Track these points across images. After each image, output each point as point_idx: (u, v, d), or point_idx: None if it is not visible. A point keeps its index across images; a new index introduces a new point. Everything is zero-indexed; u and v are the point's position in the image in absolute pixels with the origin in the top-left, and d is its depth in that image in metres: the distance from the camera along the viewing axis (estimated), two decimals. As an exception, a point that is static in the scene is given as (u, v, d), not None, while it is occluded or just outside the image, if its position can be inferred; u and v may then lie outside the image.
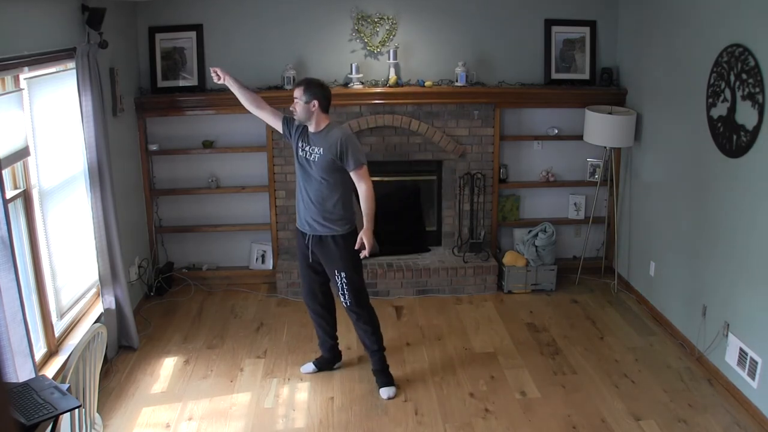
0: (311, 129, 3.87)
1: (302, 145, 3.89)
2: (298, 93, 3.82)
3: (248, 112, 5.57)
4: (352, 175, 3.86)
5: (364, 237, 3.84)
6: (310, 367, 4.35)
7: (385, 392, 4.09)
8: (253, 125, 5.47)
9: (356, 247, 3.88)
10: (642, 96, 5.22)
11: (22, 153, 3.47)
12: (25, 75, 3.53)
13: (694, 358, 4.42)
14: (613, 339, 4.75)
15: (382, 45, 5.42)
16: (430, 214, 5.90)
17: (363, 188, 3.86)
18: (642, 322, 5.01)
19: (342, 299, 4.04)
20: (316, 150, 3.84)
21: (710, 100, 4.18)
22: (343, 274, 3.96)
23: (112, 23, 4.52)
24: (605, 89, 5.52)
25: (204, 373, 4.35)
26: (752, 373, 3.81)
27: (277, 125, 4.06)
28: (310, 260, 4.03)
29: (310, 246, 3.98)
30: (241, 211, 5.68)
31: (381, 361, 4.16)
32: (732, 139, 3.95)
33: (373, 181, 5.63)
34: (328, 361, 4.36)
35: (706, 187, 4.29)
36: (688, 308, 4.55)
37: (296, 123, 3.92)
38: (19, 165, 3.53)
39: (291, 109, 3.87)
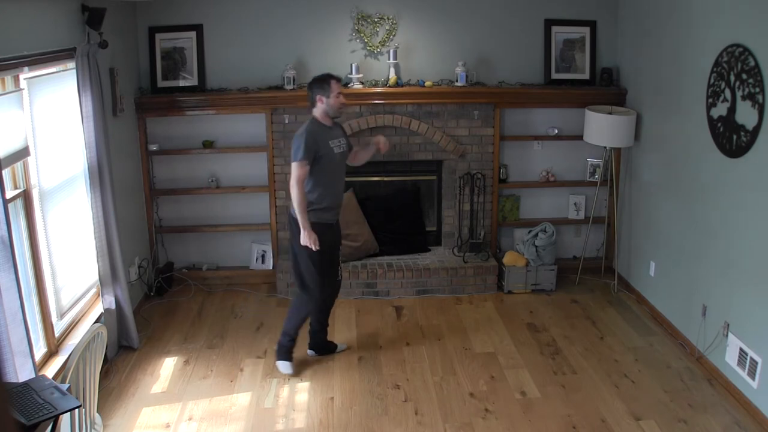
0: (329, 124, 4.13)
1: (333, 144, 4.10)
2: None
3: (249, 111, 5.60)
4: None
5: None
6: (289, 367, 4.31)
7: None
8: (253, 125, 5.49)
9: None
10: (642, 96, 5.22)
11: (22, 153, 3.47)
12: (25, 75, 3.53)
13: (694, 358, 4.42)
14: (613, 339, 4.75)
15: (382, 45, 5.42)
16: (430, 214, 5.90)
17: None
18: (642, 322, 5.00)
19: (339, 276, 4.43)
20: (342, 141, 4.18)
21: (710, 100, 4.18)
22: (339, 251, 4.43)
23: (112, 23, 4.52)
24: (605, 89, 5.52)
25: (204, 373, 4.35)
26: (752, 373, 3.81)
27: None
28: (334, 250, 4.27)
29: (336, 232, 4.27)
30: (241, 211, 5.68)
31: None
32: (732, 139, 3.95)
33: (373, 181, 5.74)
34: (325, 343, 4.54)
35: (706, 187, 4.29)
36: (688, 308, 4.55)
37: (312, 138, 3.97)
38: (19, 165, 3.53)
39: (343, 102, 4.11)
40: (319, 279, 4.14)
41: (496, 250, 5.80)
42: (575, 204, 5.83)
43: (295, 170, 3.96)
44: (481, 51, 5.52)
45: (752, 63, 3.72)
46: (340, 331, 4.87)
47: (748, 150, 3.79)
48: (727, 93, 3.98)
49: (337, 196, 4.17)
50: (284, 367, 4.31)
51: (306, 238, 3.99)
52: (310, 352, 4.52)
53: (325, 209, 4.09)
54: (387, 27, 5.40)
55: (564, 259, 5.87)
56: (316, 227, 4.03)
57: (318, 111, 4.07)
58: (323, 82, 4.03)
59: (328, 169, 4.05)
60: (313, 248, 3.99)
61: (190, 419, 3.88)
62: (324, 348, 4.53)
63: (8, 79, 3.42)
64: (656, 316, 5.02)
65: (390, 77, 5.36)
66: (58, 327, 3.93)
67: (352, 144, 4.38)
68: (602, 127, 5.21)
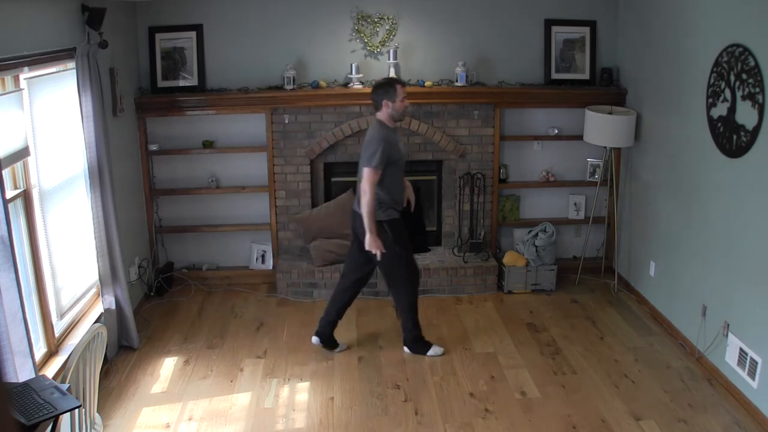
0: (393, 126, 4.27)
1: (400, 146, 4.33)
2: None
3: (249, 111, 5.60)
4: None
5: None
6: (439, 349, 4.55)
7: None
8: (253, 125, 5.49)
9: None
10: (642, 96, 5.22)
11: (22, 153, 3.47)
12: (25, 75, 3.53)
13: (694, 358, 4.42)
14: (613, 339, 4.75)
15: (382, 45, 5.42)
16: (430, 214, 5.90)
17: None
18: (642, 322, 5.00)
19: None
20: (401, 141, 4.44)
21: (710, 100, 4.18)
22: None
23: (112, 23, 4.51)
24: (605, 89, 5.52)
25: (204, 373, 4.35)
26: (752, 373, 3.81)
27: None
28: None
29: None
30: (241, 211, 5.68)
31: None
32: (732, 139, 3.95)
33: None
34: None
35: (706, 187, 4.29)
36: (688, 308, 4.55)
37: (388, 144, 4.12)
38: (19, 165, 3.53)
39: (407, 105, 4.23)
40: (410, 261, 4.41)
41: (496, 250, 5.79)
42: (575, 204, 5.83)
43: (370, 176, 4.08)
44: (481, 51, 5.52)
45: (752, 63, 3.72)
46: (340, 331, 4.87)
47: (748, 150, 3.79)
48: (727, 93, 3.98)
49: (402, 199, 4.41)
50: (434, 351, 4.50)
51: (372, 243, 4.13)
52: (314, 339, 4.56)
53: (397, 208, 4.32)
54: (387, 27, 5.40)
55: (564, 259, 5.87)
56: (395, 223, 4.29)
57: (383, 115, 4.20)
58: (389, 87, 4.17)
59: (399, 170, 4.26)
60: (378, 253, 4.15)
61: (190, 419, 3.88)
62: (328, 340, 4.56)
63: (8, 79, 3.42)
64: (656, 316, 5.02)
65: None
66: (58, 327, 3.93)
67: None
68: (602, 127, 5.21)
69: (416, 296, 4.47)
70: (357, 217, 4.23)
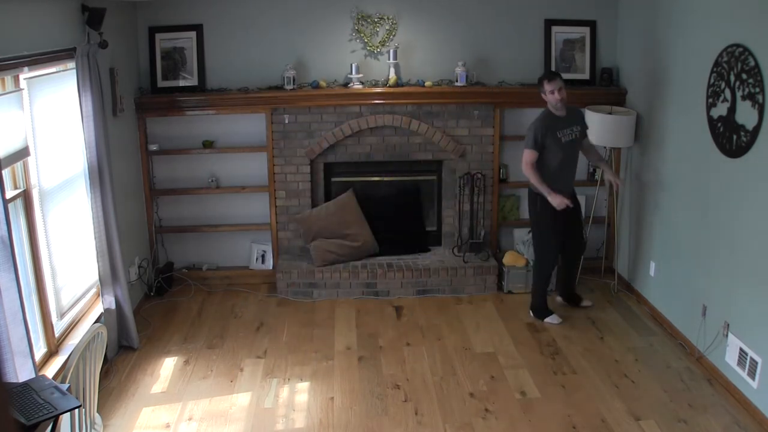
0: (562, 114, 4.65)
1: (560, 134, 4.65)
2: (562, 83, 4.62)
3: (249, 111, 5.60)
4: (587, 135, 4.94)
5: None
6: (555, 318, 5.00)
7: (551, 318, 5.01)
8: (253, 125, 5.49)
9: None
10: (642, 96, 5.22)
11: (22, 153, 3.47)
12: (25, 75, 3.53)
13: (694, 358, 4.42)
14: (613, 339, 4.75)
15: (382, 45, 5.42)
16: (430, 214, 5.90)
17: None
18: (642, 322, 5.00)
19: (584, 238, 5.29)
20: (574, 129, 4.71)
21: (710, 100, 4.18)
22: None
23: (112, 23, 4.52)
24: (605, 89, 5.52)
25: (204, 373, 4.35)
26: (752, 373, 3.81)
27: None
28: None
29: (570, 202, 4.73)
30: (241, 211, 5.69)
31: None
32: (732, 139, 3.95)
33: (373, 181, 5.74)
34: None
35: (706, 187, 4.29)
36: (688, 308, 4.55)
37: (542, 129, 4.59)
38: (19, 165, 3.53)
39: (558, 98, 4.55)
40: (553, 239, 4.83)
41: (496, 250, 5.79)
42: (575, 204, 5.83)
43: (525, 156, 4.68)
44: (481, 51, 5.52)
45: (752, 63, 3.72)
46: (340, 332, 4.88)
47: (748, 150, 3.79)
48: (727, 93, 3.98)
49: (564, 180, 4.75)
50: (551, 319, 4.96)
51: (555, 200, 4.59)
52: (558, 299, 5.22)
53: (554, 187, 4.64)
54: (387, 27, 5.41)
55: (564, 259, 5.86)
56: (546, 202, 4.65)
57: (546, 103, 4.68)
58: (539, 81, 4.66)
59: (555, 156, 4.64)
60: (562, 205, 4.58)
61: (190, 419, 3.88)
62: (571, 299, 5.21)
63: (8, 79, 3.42)
64: (656, 316, 5.02)
65: (390, 77, 5.36)
66: (58, 327, 3.93)
67: (587, 133, 4.89)
68: (602, 127, 5.21)
69: (551, 270, 5.01)
70: (529, 195, 4.87)
